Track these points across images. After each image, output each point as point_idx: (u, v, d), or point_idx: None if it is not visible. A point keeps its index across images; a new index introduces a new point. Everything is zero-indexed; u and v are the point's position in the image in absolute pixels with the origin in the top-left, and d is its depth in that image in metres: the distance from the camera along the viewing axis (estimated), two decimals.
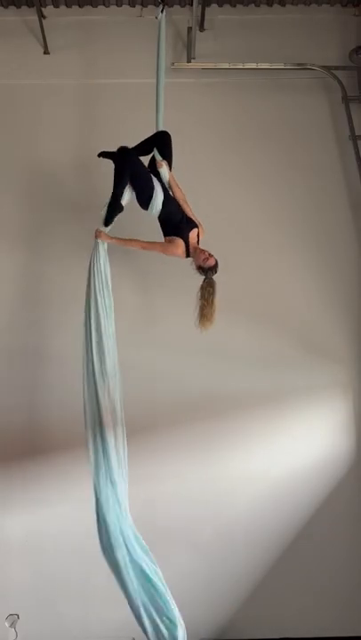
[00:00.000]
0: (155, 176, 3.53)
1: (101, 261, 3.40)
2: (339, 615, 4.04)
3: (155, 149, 3.62)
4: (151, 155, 3.65)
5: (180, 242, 3.46)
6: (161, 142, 3.63)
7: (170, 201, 3.52)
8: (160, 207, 3.48)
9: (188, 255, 3.50)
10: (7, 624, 3.91)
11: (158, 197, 3.47)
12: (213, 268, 3.41)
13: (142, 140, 3.68)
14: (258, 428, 4.16)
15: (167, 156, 3.62)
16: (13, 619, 3.93)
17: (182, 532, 4.01)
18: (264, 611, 4.03)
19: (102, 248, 3.42)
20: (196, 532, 4.03)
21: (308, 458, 4.15)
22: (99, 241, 3.43)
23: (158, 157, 3.60)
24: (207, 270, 3.40)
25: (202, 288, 3.38)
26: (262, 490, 4.11)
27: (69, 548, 4.03)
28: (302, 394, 4.20)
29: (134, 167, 3.45)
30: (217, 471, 4.10)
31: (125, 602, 3.96)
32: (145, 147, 3.66)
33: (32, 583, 3.99)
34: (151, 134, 3.69)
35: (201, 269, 3.42)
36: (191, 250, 3.49)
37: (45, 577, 4.00)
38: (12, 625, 3.91)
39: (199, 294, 3.37)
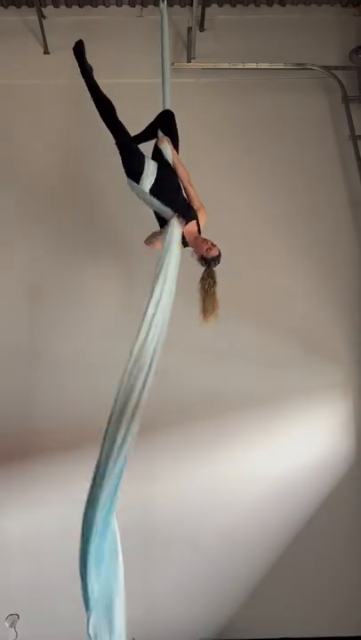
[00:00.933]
0: (156, 160, 3.30)
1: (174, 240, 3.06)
2: (339, 615, 4.04)
3: (159, 131, 3.43)
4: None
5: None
6: (164, 121, 3.45)
7: (165, 186, 3.25)
8: (147, 189, 3.20)
9: (185, 245, 3.25)
10: (7, 624, 3.91)
11: (147, 180, 3.19)
12: (217, 259, 3.21)
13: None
14: (258, 428, 4.16)
15: (172, 136, 3.42)
16: (13, 619, 3.93)
17: (182, 532, 4.01)
18: (264, 611, 4.03)
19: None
20: (196, 532, 4.04)
21: (308, 458, 4.15)
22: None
23: (160, 134, 3.39)
24: (210, 261, 3.19)
25: (202, 279, 3.16)
26: (262, 490, 4.11)
27: (69, 547, 4.02)
28: (302, 394, 4.21)
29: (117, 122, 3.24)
30: (217, 471, 4.10)
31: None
32: (149, 131, 3.51)
33: (32, 583, 3.99)
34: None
35: (204, 260, 3.21)
36: (191, 239, 3.25)
37: (45, 577, 4.00)
38: (12, 625, 3.91)
39: (199, 286, 3.15)
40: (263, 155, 4.46)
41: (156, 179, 3.23)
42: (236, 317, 4.23)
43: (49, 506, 4.05)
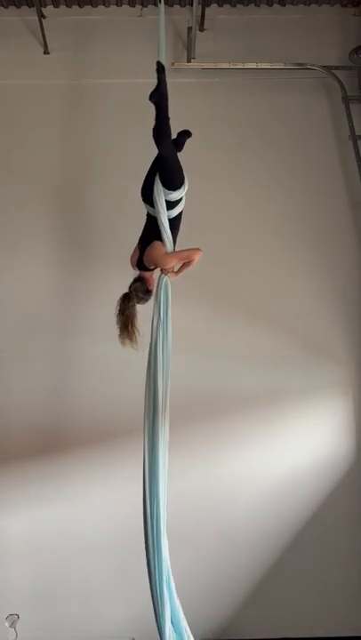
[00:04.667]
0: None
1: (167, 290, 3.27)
2: (339, 615, 4.05)
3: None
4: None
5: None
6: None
7: (178, 221, 3.40)
8: (176, 213, 3.33)
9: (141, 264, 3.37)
10: (7, 624, 3.92)
11: (181, 204, 3.33)
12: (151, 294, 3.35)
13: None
14: (258, 428, 4.16)
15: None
16: (13, 619, 3.94)
17: (182, 531, 4.00)
18: (264, 611, 4.03)
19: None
20: (197, 532, 4.04)
21: (308, 458, 4.16)
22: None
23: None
24: (148, 294, 3.34)
25: (133, 307, 3.29)
26: (262, 490, 4.12)
27: (69, 547, 4.03)
28: (302, 394, 4.21)
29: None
30: (217, 471, 4.10)
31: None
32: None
33: (32, 583, 3.99)
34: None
35: (148, 291, 3.34)
36: (150, 274, 3.40)
37: (45, 577, 4.01)
38: (12, 625, 3.92)
39: (131, 317, 3.27)
40: (263, 154, 4.46)
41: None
42: (236, 317, 4.23)
43: (49, 506, 4.05)
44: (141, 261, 3.37)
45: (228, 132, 4.47)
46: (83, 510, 4.04)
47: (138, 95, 4.31)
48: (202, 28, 4.56)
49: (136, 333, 3.24)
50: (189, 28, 4.50)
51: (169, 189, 3.23)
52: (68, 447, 4.08)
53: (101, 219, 4.32)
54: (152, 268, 3.36)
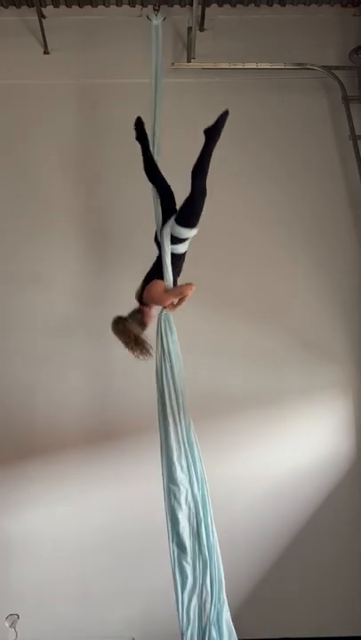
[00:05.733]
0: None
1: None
2: (339, 615, 4.05)
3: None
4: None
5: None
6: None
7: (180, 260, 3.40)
8: (181, 251, 3.34)
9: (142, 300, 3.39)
10: (7, 624, 3.92)
11: (187, 243, 3.35)
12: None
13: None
14: (258, 428, 4.16)
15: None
16: (13, 619, 3.94)
17: None
18: (264, 611, 4.03)
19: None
20: None
21: (308, 458, 4.16)
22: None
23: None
24: (142, 324, 3.36)
25: (125, 323, 3.30)
26: (262, 490, 4.12)
27: (69, 548, 4.03)
28: (302, 394, 4.21)
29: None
30: (217, 471, 4.07)
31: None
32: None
33: (32, 583, 3.99)
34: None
35: (145, 324, 3.37)
36: (150, 310, 3.42)
37: (45, 577, 4.01)
38: (12, 625, 3.92)
39: (120, 329, 3.30)
40: (263, 154, 4.46)
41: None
42: (236, 317, 4.24)
43: (49, 506, 4.05)
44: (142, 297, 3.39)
45: (228, 132, 4.43)
46: (83, 510, 4.04)
47: (138, 95, 4.32)
48: (202, 28, 4.56)
49: (146, 344, 3.27)
50: (189, 28, 4.50)
51: (184, 226, 3.26)
52: (68, 447, 4.08)
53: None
54: (151, 304, 3.37)
